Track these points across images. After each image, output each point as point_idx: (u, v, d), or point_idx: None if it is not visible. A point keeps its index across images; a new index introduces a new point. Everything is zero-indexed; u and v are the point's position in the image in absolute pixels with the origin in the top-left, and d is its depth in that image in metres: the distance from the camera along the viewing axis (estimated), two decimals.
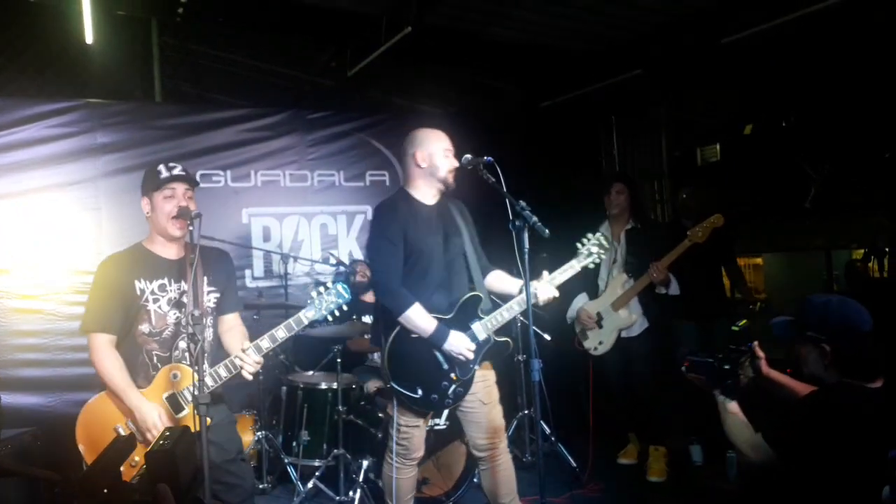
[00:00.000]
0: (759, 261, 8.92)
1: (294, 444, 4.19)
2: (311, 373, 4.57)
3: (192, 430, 2.48)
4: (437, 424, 3.70)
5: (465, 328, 2.99)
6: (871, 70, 5.15)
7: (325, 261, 5.40)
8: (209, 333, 2.85)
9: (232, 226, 5.18)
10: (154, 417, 2.65)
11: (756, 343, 2.44)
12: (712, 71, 5.35)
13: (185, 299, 2.74)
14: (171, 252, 2.83)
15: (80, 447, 2.70)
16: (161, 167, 2.83)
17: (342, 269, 5.28)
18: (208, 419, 2.56)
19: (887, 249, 5.40)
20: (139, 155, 4.95)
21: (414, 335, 2.99)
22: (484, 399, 3.12)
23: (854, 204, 7.09)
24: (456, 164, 3.04)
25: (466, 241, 3.12)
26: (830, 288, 7.70)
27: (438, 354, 2.99)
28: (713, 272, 4.95)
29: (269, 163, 5.40)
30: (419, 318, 2.94)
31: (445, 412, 4.07)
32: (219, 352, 2.91)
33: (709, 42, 4.68)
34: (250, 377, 2.80)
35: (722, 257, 5.15)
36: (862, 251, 5.69)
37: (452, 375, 2.98)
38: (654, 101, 6.31)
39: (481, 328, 3.01)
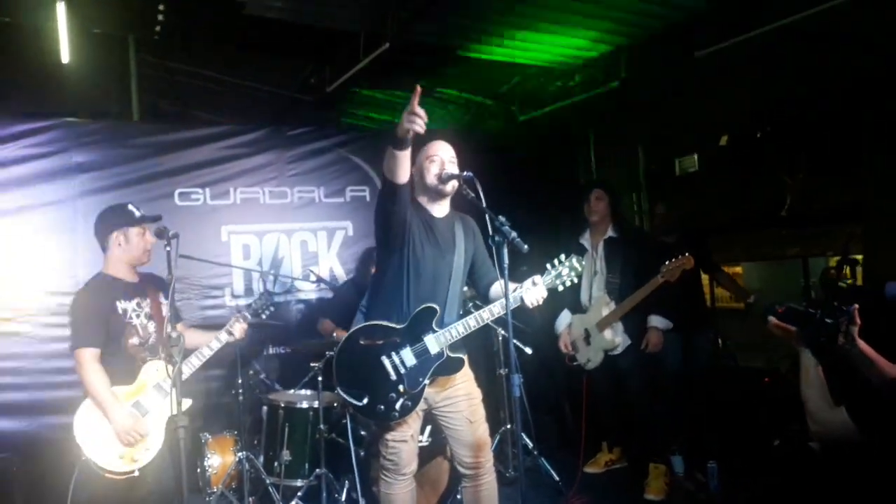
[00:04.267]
0: (738, 269, 9.03)
1: (276, 464, 4.15)
2: (291, 391, 4.54)
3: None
4: (420, 441, 3.69)
5: (416, 340, 2.96)
6: (841, 80, 5.25)
7: (306, 278, 5.37)
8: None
9: (211, 244, 5.14)
10: (127, 424, 3.09)
11: (856, 307, 2.13)
12: (687, 83, 5.43)
13: (151, 311, 3.31)
14: (132, 277, 3.37)
15: (83, 443, 3.08)
16: (131, 207, 3.36)
17: (322, 285, 5.28)
18: (189, 399, 3.08)
19: (859, 258, 5.47)
20: (116, 174, 4.90)
21: (363, 342, 2.98)
22: (470, 417, 3.10)
23: (828, 212, 7.22)
24: (439, 169, 3.01)
25: (457, 259, 3.09)
26: (808, 295, 7.82)
27: (388, 364, 2.94)
28: (693, 284, 5.00)
29: (248, 180, 5.37)
30: None
31: (428, 428, 4.08)
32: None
33: (682, 55, 4.75)
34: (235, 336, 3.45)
35: (703, 268, 5.21)
36: (836, 259, 5.78)
37: (401, 388, 2.92)
38: (629, 114, 6.39)
39: (433, 341, 2.96)
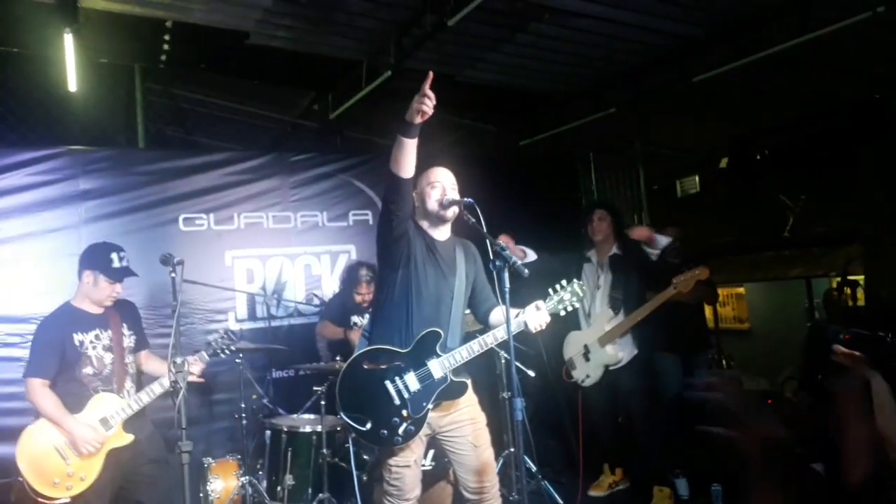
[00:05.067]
0: (741, 290, 9.04)
1: (279, 488, 4.14)
2: (295, 416, 4.54)
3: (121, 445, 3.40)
4: (423, 465, 3.68)
5: (420, 365, 2.98)
6: (833, 106, 5.31)
7: (309, 301, 5.40)
8: (132, 367, 3.55)
9: (215, 269, 5.17)
10: (87, 434, 3.28)
11: None
12: (685, 107, 5.49)
13: (111, 342, 3.46)
14: (96, 309, 3.52)
15: (21, 465, 3.26)
16: (114, 256, 3.48)
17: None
18: (132, 436, 3.42)
19: (860, 279, 5.48)
20: (122, 201, 4.96)
21: (367, 366, 2.99)
22: (475, 442, 3.10)
23: (830, 234, 7.24)
24: (440, 195, 3.05)
25: (458, 282, 3.13)
26: (812, 316, 7.81)
27: (391, 389, 2.96)
28: (693, 305, 5.00)
29: (252, 205, 5.41)
30: None
31: (431, 452, 4.07)
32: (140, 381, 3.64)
33: (680, 81, 4.82)
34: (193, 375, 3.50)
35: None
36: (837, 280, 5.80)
37: (404, 412, 2.93)
38: (629, 137, 6.45)
39: (437, 365, 2.98)
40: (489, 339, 3.00)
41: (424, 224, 3.14)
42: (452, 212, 3.07)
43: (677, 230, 5.29)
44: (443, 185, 3.08)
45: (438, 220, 3.09)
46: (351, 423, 2.97)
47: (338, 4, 4.51)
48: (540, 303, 3.07)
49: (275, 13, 4.63)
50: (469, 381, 3.10)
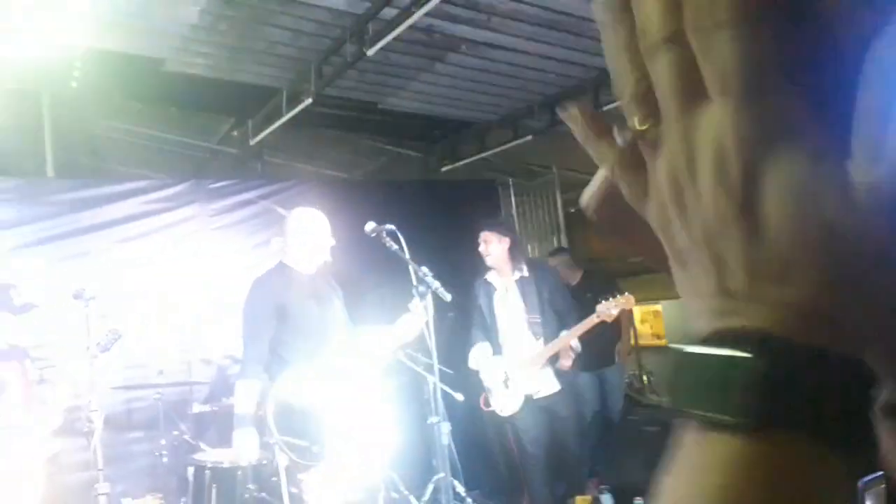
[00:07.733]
0: (658, 308, 9.41)
1: None
2: (218, 450, 4.42)
3: None
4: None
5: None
6: None
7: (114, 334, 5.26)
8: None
9: None
10: None
11: None
12: None
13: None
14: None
15: None
16: (12, 293, 3.47)
17: None
18: None
19: None
20: (30, 233, 4.75)
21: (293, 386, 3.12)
22: None
23: None
24: (316, 244, 3.16)
25: (338, 308, 3.22)
26: None
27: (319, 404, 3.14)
28: (602, 324, 5.11)
29: (170, 234, 5.29)
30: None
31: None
32: None
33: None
34: None
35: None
36: None
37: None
38: (546, 163, 6.67)
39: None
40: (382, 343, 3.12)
41: (300, 264, 3.19)
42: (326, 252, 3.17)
43: (559, 258, 5.40)
44: (318, 228, 3.15)
45: (315, 257, 3.18)
46: (285, 444, 2.98)
47: (257, 33, 4.50)
48: (410, 304, 3.14)
49: (193, 40, 4.57)
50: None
